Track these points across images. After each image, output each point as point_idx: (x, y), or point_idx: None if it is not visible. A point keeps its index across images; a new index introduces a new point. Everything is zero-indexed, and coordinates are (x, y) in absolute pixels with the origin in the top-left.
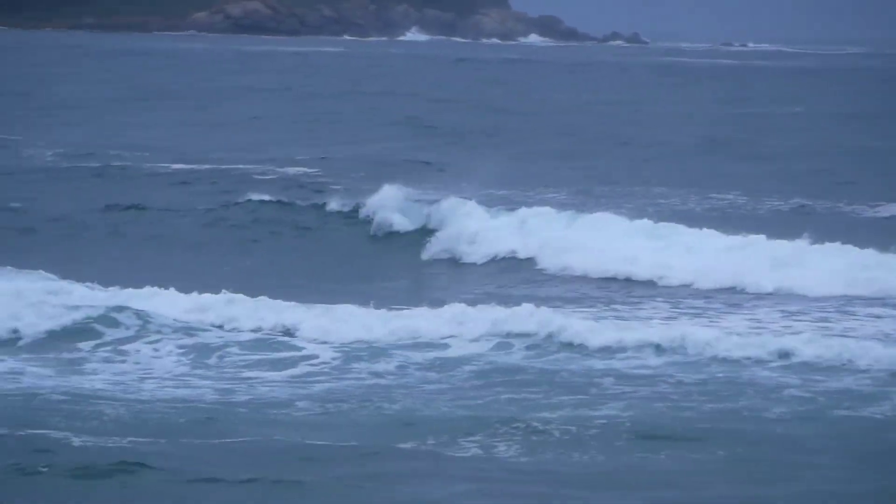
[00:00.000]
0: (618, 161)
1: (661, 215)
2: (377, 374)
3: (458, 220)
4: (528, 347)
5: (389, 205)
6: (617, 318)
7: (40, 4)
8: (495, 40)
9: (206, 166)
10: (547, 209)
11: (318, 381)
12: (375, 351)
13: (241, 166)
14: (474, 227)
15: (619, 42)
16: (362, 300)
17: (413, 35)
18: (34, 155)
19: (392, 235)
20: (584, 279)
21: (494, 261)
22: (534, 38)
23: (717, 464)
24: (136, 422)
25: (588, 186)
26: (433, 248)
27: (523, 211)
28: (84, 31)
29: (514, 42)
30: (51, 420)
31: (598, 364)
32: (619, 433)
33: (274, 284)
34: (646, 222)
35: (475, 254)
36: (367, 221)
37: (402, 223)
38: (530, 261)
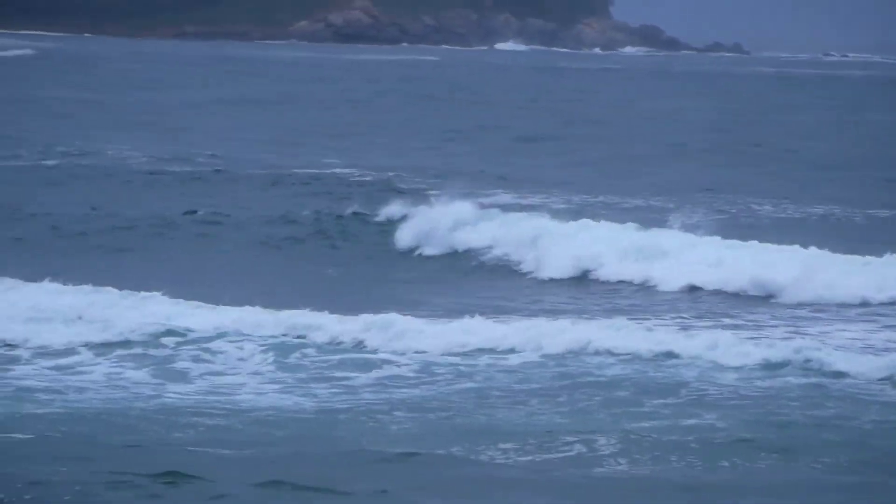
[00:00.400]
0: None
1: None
2: (469, 381)
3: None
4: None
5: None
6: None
7: (144, 14)
8: (597, 50)
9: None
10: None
11: (409, 389)
12: (464, 357)
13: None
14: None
15: (720, 53)
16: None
17: (511, 45)
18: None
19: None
20: (702, 292)
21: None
22: (630, 49)
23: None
24: (258, 434)
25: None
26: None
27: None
28: (186, 40)
29: (611, 52)
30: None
31: (691, 373)
32: (719, 442)
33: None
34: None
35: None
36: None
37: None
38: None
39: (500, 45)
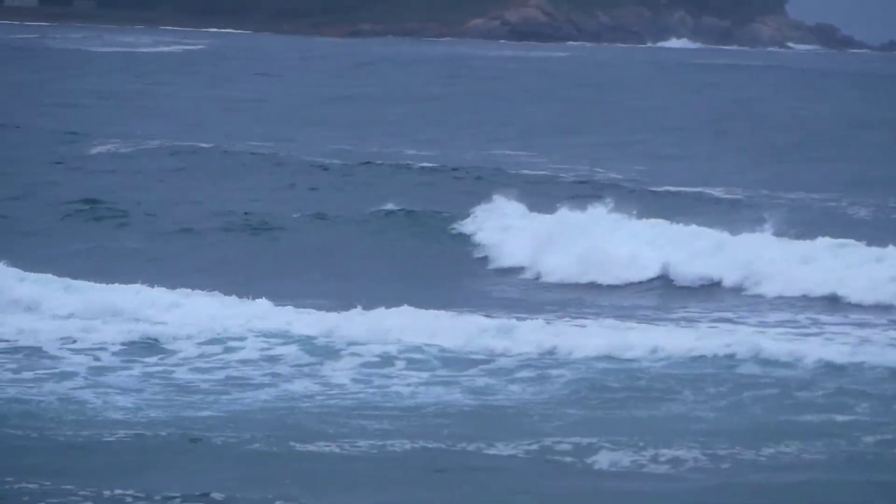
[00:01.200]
0: None
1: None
2: (631, 382)
3: None
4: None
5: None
6: None
7: (321, 12)
8: (773, 48)
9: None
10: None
11: (570, 390)
12: (623, 362)
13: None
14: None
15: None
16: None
17: (683, 43)
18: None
19: None
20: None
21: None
22: (801, 47)
23: None
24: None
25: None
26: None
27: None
28: (361, 38)
29: (780, 49)
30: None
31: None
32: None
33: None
34: None
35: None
36: None
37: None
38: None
39: (665, 43)
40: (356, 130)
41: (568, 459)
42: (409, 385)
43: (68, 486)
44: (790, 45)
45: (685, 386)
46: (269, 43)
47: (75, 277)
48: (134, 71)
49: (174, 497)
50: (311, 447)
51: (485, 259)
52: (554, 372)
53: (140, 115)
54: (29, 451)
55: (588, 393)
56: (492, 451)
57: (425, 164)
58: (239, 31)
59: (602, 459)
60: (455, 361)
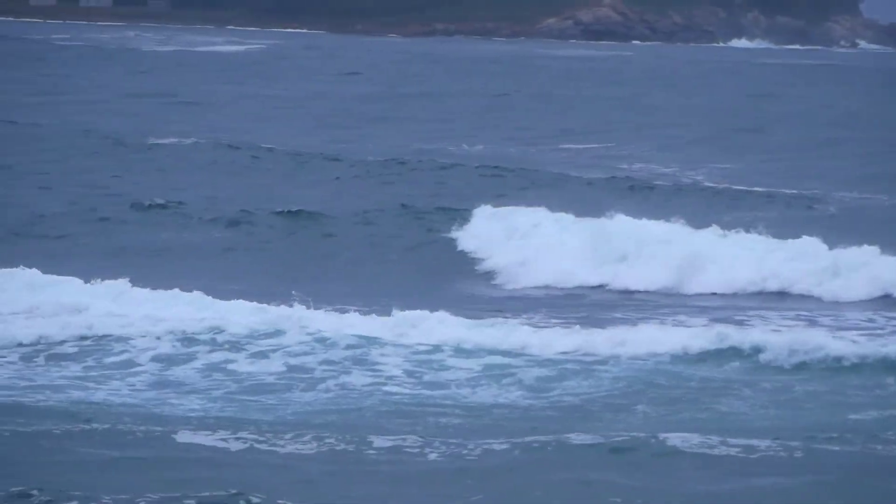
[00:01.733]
0: None
1: None
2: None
3: None
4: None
5: None
6: None
7: (394, 11)
8: (842, 48)
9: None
10: None
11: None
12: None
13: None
14: None
15: None
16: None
17: (756, 43)
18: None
19: None
20: None
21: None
22: (872, 47)
23: None
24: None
25: None
26: None
27: None
28: (434, 38)
29: (848, 49)
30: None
31: None
32: None
33: None
34: None
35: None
36: None
37: None
38: None
39: (737, 43)
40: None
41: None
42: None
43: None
44: (861, 44)
45: None
46: (346, 42)
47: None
48: (213, 70)
49: None
50: (385, 442)
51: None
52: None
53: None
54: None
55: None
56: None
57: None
58: (311, 32)
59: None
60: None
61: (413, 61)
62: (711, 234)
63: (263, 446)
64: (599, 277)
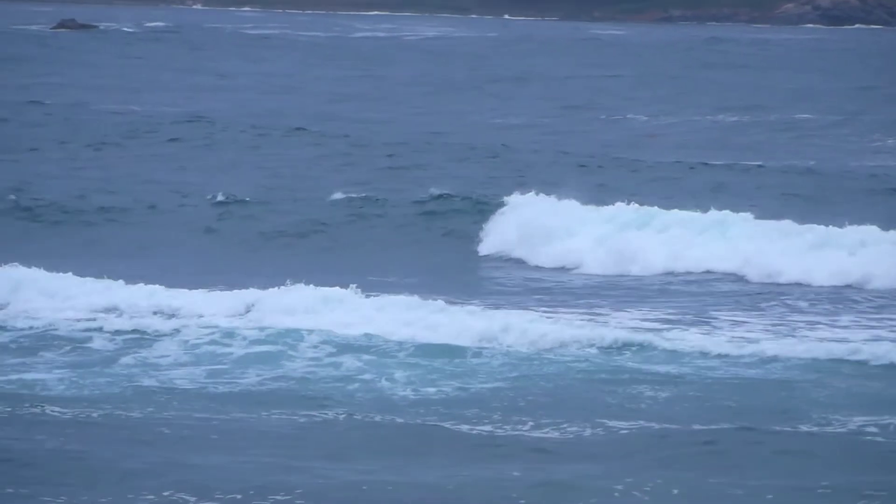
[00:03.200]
0: None
1: None
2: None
3: None
4: None
5: None
6: None
7: None
8: None
9: None
10: None
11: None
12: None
13: None
14: None
15: None
16: None
17: None
18: None
19: None
20: None
21: None
22: None
23: None
24: None
25: None
26: None
27: None
28: (672, 24)
29: None
30: None
31: None
32: None
33: None
34: None
35: None
36: None
37: None
38: None
39: None
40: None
41: None
42: None
43: None
44: None
45: None
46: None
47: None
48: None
49: None
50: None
51: None
52: None
53: None
54: None
55: None
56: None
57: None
58: (545, 19)
59: None
60: None
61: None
62: None
63: None
64: None
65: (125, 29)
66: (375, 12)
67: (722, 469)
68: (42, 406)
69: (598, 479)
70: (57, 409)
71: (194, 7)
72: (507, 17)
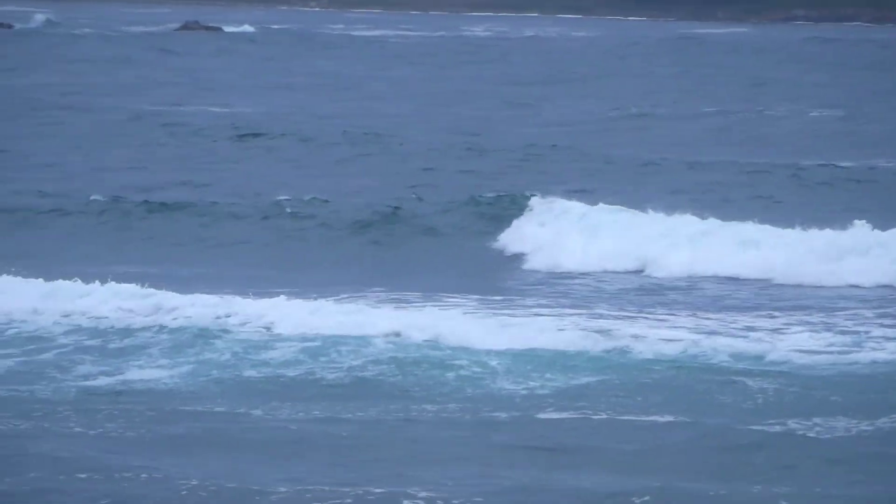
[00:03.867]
0: None
1: None
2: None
3: None
4: None
5: None
6: None
7: None
8: None
9: None
10: None
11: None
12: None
13: None
14: None
15: None
16: None
17: None
18: None
19: None
20: None
21: None
22: None
23: None
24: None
25: None
26: None
27: None
28: (794, 24)
29: None
30: None
31: None
32: None
33: None
34: None
35: None
36: None
37: None
38: None
39: None
40: None
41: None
42: None
43: None
44: None
45: None
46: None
47: None
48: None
49: None
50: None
51: None
52: None
53: None
54: None
55: None
56: None
57: None
58: (664, 20)
59: None
60: None
61: None
62: None
63: None
64: None
65: (248, 29)
66: (501, 13)
67: None
68: None
69: None
70: None
71: (315, 10)
72: (631, 18)
